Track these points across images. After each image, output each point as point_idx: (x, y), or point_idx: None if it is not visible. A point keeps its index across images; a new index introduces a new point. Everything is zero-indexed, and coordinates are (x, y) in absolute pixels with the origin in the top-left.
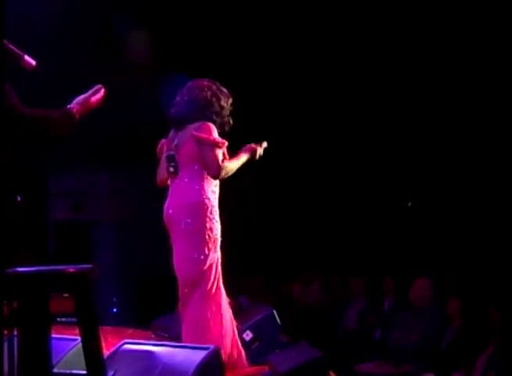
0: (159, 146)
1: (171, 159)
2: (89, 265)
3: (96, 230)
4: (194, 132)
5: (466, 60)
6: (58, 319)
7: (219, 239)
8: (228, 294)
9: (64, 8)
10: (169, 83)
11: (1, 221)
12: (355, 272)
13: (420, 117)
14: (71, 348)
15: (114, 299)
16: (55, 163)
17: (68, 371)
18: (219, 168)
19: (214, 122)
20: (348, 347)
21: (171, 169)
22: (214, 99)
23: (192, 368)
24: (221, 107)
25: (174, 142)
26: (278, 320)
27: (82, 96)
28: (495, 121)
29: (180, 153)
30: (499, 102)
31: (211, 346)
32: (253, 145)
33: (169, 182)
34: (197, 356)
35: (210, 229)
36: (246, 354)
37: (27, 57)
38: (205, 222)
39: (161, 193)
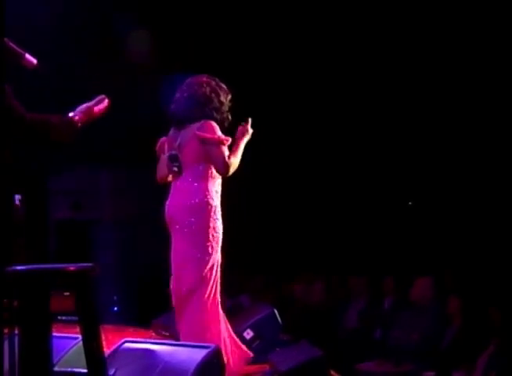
0: (158, 144)
1: (174, 159)
2: (90, 264)
3: (97, 229)
4: (198, 132)
5: (466, 60)
6: (59, 317)
7: (220, 243)
8: (229, 294)
9: (64, 8)
10: (169, 83)
11: (1, 220)
12: (355, 272)
13: (420, 116)
14: (72, 347)
15: (115, 298)
16: (56, 162)
17: (69, 370)
18: (227, 166)
19: (215, 119)
20: (349, 346)
21: (175, 169)
22: (213, 94)
23: (192, 367)
24: (221, 103)
25: (177, 142)
26: (279, 319)
27: (85, 105)
28: (495, 121)
29: (183, 153)
30: (499, 102)
31: (212, 345)
32: (241, 127)
33: (170, 178)
34: (198, 354)
35: (214, 229)
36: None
37: (28, 56)
38: (209, 222)
39: (162, 192)
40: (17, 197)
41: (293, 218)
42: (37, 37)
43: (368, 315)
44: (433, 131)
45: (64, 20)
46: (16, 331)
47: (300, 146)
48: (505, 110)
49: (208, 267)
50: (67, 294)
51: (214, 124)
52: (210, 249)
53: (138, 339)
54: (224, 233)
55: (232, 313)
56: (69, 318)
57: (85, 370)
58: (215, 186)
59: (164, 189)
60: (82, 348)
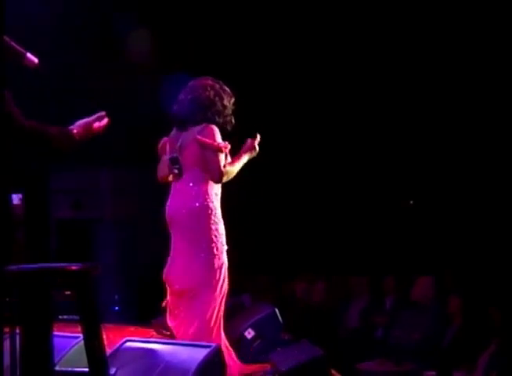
0: (160, 144)
1: (175, 162)
2: (91, 263)
3: (98, 228)
4: (198, 137)
5: (466, 60)
6: (60, 316)
7: (225, 245)
8: (230, 293)
9: (64, 8)
10: (169, 83)
11: (2, 219)
12: (356, 272)
13: (421, 116)
14: (73, 346)
15: (116, 297)
16: (56, 161)
17: (70, 369)
18: (221, 174)
19: (217, 123)
20: (350, 345)
21: (176, 171)
22: (216, 98)
23: (194, 366)
24: (224, 107)
25: (178, 143)
26: (280, 319)
27: (84, 120)
28: (496, 121)
29: (184, 155)
30: (499, 102)
31: (213, 344)
32: (250, 141)
33: (171, 178)
34: (199, 354)
35: (217, 230)
36: (247, 353)
37: (29, 55)
38: (210, 225)
39: (163, 191)
40: (18, 196)
41: (294, 218)
42: (37, 37)
43: (369, 314)
44: (434, 132)
45: (64, 20)
46: (18, 330)
47: (300, 147)
48: (505, 110)
49: (215, 267)
50: (68, 293)
51: (216, 128)
52: (215, 250)
53: (140, 338)
54: (225, 233)
55: (233, 313)
56: (70, 317)
57: (87, 370)
58: (215, 188)
59: (164, 188)
60: (83, 347)
